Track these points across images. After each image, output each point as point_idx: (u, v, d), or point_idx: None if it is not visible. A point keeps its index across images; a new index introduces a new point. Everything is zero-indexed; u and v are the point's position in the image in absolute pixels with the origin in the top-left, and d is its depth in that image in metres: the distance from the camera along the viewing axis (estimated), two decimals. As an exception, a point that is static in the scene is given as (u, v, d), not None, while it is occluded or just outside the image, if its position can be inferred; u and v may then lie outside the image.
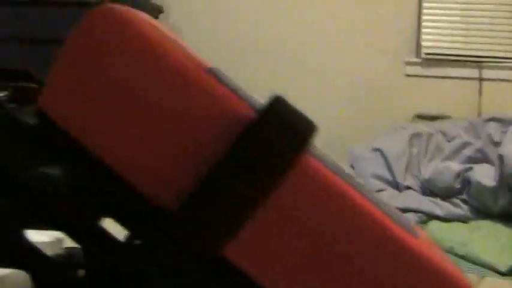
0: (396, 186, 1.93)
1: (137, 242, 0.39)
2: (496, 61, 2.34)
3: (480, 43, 2.37)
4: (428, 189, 1.86)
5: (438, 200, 1.80)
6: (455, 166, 1.83)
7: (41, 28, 1.77)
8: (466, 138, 1.97)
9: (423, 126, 2.08)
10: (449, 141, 2.01)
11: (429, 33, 2.41)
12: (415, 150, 1.97)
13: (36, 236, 0.40)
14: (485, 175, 1.73)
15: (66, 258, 0.41)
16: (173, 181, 0.36)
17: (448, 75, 2.37)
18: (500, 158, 1.68)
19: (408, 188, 1.91)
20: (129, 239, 0.39)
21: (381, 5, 2.40)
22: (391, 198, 1.79)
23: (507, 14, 2.35)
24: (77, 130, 0.37)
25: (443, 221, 1.73)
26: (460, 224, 1.72)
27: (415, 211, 1.75)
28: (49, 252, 0.40)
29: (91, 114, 0.36)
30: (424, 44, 2.42)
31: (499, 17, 2.35)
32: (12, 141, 0.36)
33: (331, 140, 2.16)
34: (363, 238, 0.35)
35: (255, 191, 0.36)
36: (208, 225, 0.36)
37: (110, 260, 0.38)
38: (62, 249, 0.46)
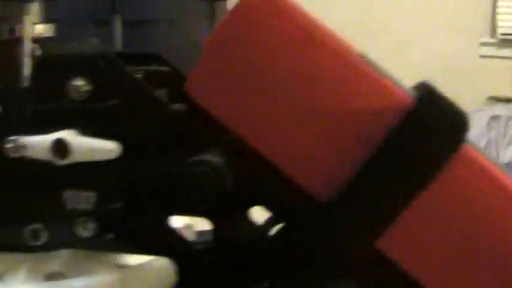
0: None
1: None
2: None
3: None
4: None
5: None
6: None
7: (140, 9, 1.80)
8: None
9: (501, 109, 2.02)
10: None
11: (505, 13, 2.33)
12: (493, 134, 1.92)
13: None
14: None
15: (202, 243, 0.41)
16: (329, 170, 0.35)
17: (524, 56, 2.30)
18: None
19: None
20: (282, 230, 0.38)
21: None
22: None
23: None
24: (227, 118, 0.36)
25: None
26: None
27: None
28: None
29: (242, 102, 0.35)
30: (499, 24, 2.35)
31: None
32: (166, 129, 0.35)
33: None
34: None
35: (414, 180, 0.35)
36: (366, 216, 0.35)
37: (257, 251, 0.37)
38: (194, 233, 0.46)
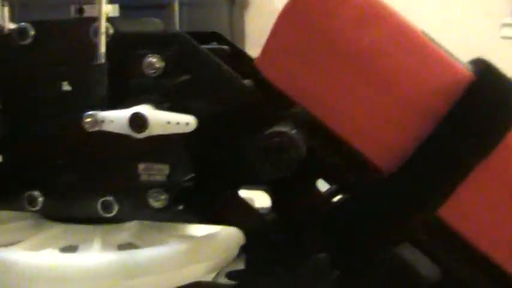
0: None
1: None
2: None
3: None
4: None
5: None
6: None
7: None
8: None
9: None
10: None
11: (526, -7, 2.32)
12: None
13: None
14: None
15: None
16: (393, 143, 0.36)
17: (545, 37, 2.28)
18: None
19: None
20: (345, 201, 0.39)
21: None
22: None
23: None
24: (296, 92, 0.37)
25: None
26: None
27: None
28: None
29: (311, 76, 0.36)
30: (521, 4, 2.33)
31: None
32: (239, 103, 0.37)
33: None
34: None
35: (476, 151, 0.36)
36: (428, 186, 0.36)
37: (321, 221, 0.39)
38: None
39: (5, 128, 0.41)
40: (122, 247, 0.41)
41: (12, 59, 0.41)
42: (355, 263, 0.39)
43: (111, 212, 0.40)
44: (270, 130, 0.34)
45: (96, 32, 0.38)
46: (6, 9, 0.45)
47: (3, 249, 0.39)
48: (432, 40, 0.38)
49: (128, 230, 0.42)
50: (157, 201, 0.38)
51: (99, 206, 0.40)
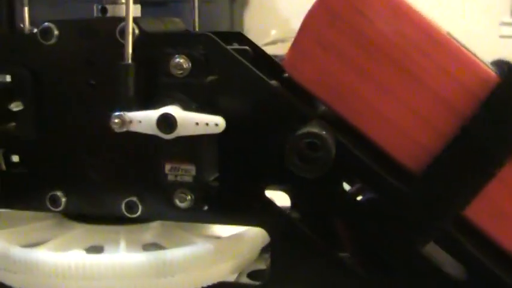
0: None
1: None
2: None
3: None
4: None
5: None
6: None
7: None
8: None
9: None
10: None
11: (525, -8, 2.32)
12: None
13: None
14: None
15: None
16: (421, 141, 0.36)
17: (544, 36, 2.29)
18: None
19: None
20: (371, 199, 0.39)
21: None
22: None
23: None
24: (325, 92, 0.37)
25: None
26: None
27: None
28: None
29: (340, 75, 0.36)
30: (520, 3, 2.34)
31: None
32: (267, 103, 0.37)
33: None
34: None
35: (503, 151, 0.36)
36: (455, 186, 0.36)
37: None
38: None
39: (28, 128, 0.41)
40: (146, 247, 0.41)
41: (36, 59, 0.40)
42: (381, 263, 0.39)
43: (135, 213, 0.40)
44: (302, 131, 0.34)
45: (123, 32, 0.38)
46: (26, 10, 0.45)
47: (29, 249, 0.39)
48: (458, 41, 0.38)
49: (152, 230, 0.42)
50: (183, 201, 0.38)
51: (123, 207, 0.40)
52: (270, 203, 0.39)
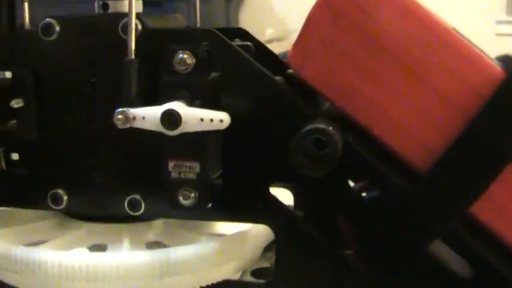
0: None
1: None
2: None
3: None
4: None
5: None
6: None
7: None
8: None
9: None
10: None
11: (521, -10, 2.32)
12: None
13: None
14: None
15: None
16: (426, 139, 0.36)
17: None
18: None
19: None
20: (376, 197, 0.39)
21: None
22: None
23: None
24: (330, 88, 0.37)
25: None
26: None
27: None
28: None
29: (345, 72, 0.36)
30: (516, 1, 2.34)
31: None
32: (272, 100, 0.36)
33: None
34: None
35: (510, 147, 0.36)
36: (461, 184, 0.36)
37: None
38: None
39: (29, 126, 0.41)
40: (150, 246, 0.41)
41: (37, 55, 0.40)
42: (387, 261, 0.39)
43: (138, 211, 0.40)
44: (310, 127, 0.34)
45: (125, 28, 0.38)
46: (26, 6, 0.44)
47: (31, 248, 0.38)
48: (464, 37, 0.38)
49: (155, 228, 0.42)
50: (187, 199, 0.37)
51: (126, 204, 0.40)
52: (274, 200, 0.38)
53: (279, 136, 0.37)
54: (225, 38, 0.37)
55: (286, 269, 0.39)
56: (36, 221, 0.43)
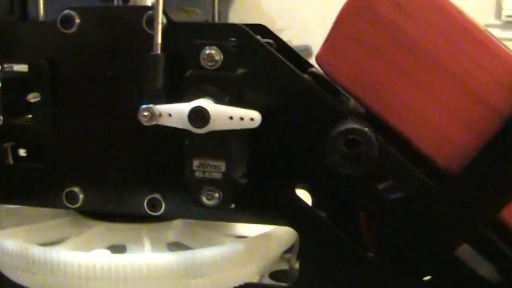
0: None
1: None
2: None
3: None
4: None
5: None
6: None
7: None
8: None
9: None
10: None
11: (509, -6, 2.34)
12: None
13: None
14: None
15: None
16: (458, 140, 0.35)
17: (527, 38, 2.31)
18: None
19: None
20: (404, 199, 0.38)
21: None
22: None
23: None
24: (359, 87, 0.36)
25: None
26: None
27: None
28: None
29: (376, 70, 0.35)
30: (505, 5, 2.35)
31: None
32: (301, 97, 0.35)
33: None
34: None
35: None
36: (492, 187, 0.35)
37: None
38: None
39: (45, 120, 0.39)
40: (170, 246, 0.39)
41: (55, 48, 0.39)
42: (413, 264, 0.38)
43: (159, 211, 0.39)
44: (345, 127, 0.33)
45: (150, 21, 0.36)
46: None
47: (50, 248, 0.37)
48: (494, 37, 0.37)
49: (175, 228, 0.41)
50: (210, 199, 0.36)
51: (145, 204, 0.39)
52: (299, 201, 0.37)
53: (308, 135, 0.36)
54: (253, 34, 0.36)
55: (311, 271, 0.38)
56: (50, 219, 0.41)
